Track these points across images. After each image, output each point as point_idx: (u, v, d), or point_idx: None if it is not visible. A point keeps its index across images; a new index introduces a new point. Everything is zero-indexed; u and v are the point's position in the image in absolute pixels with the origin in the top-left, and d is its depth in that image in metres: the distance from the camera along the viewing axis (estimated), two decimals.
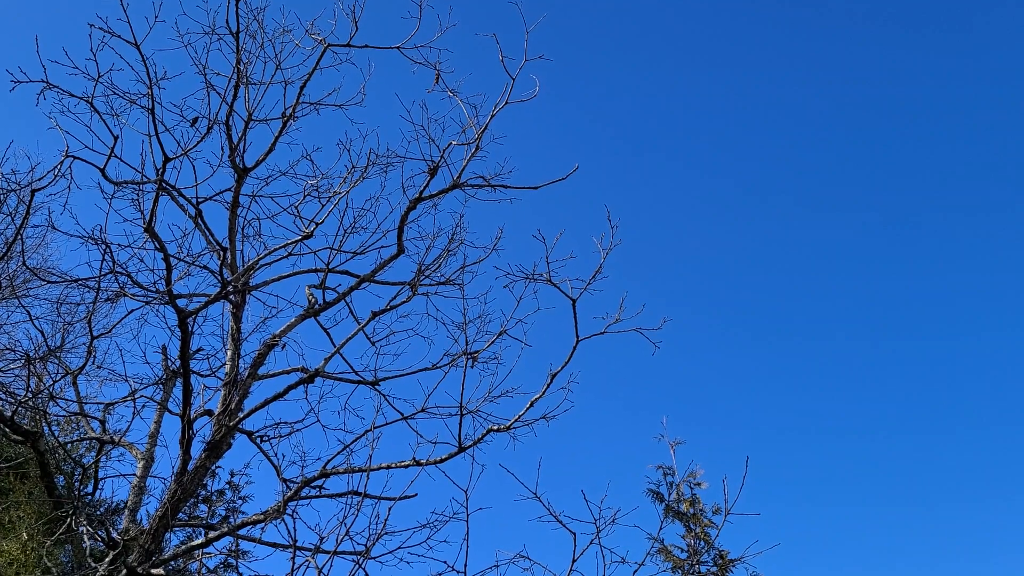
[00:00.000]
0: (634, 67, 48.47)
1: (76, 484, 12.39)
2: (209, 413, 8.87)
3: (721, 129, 50.00)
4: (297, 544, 5.93)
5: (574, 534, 6.09)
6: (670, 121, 49.74)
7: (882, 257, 47.96)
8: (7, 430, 7.83)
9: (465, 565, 5.66)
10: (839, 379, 45.77)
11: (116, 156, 7.51)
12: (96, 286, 8.12)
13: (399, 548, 7.03)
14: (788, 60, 49.20)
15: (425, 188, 9.62)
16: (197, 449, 8.22)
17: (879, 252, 48.17)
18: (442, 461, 8.32)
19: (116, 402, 9.71)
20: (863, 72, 48.09)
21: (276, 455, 8.65)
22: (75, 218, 8.40)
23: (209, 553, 8.62)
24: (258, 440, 8.77)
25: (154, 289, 8.60)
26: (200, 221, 9.31)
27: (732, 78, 49.72)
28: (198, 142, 8.24)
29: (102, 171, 7.60)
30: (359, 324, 9.44)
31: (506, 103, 9.47)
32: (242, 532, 8.54)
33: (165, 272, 7.79)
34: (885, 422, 43.33)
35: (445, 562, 6.32)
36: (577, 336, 8.59)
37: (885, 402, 44.67)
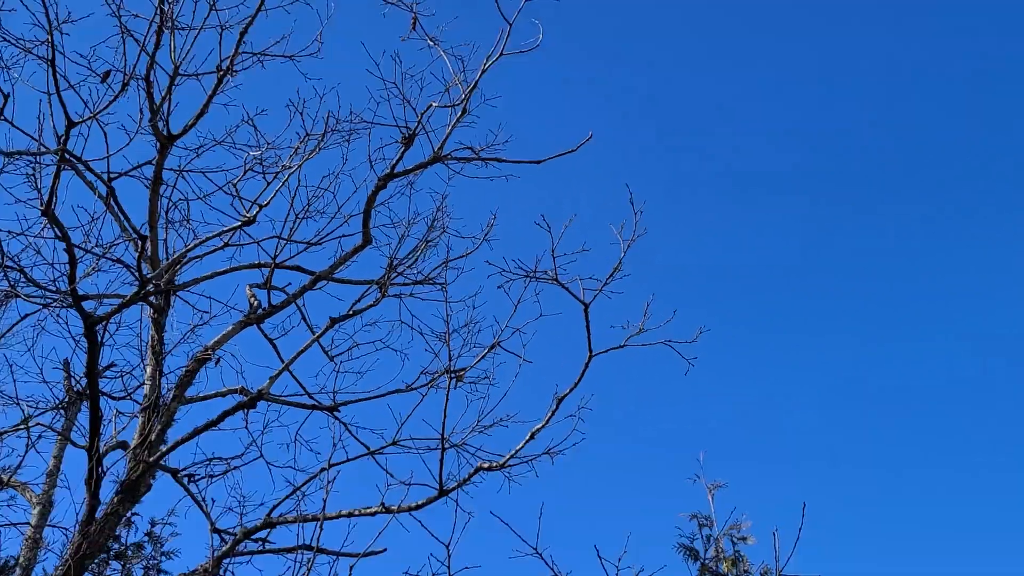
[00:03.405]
0: (659, 20, 41.22)
1: None
2: (123, 445, 8.50)
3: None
4: None
5: None
6: (693, 98, 43.28)
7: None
8: None
9: None
10: (934, 401, 38.78)
11: (6, 119, 7.22)
12: None
13: None
14: (798, 57, 47.97)
15: (398, 162, 9.15)
16: (108, 491, 7.84)
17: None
18: (418, 507, 8.05)
19: (5, 432, 9.10)
20: (885, 65, 47.11)
21: (207, 500, 8.29)
22: None
23: None
24: (185, 480, 8.37)
25: (54, 288, 8.29)
26: (113, 202, 8.71)
27: (742, 77, 47.37)
28: (111, 102, 7.70)
29: None
30: (314, 334, 8.96)
31: (501, 55, 8.89)
32: None
33: (68, 267, 7.45)
34: (986, 454, 37.07)
35: None
36: (590, 350, 8.13)
37: (988, 431, 38.41)
